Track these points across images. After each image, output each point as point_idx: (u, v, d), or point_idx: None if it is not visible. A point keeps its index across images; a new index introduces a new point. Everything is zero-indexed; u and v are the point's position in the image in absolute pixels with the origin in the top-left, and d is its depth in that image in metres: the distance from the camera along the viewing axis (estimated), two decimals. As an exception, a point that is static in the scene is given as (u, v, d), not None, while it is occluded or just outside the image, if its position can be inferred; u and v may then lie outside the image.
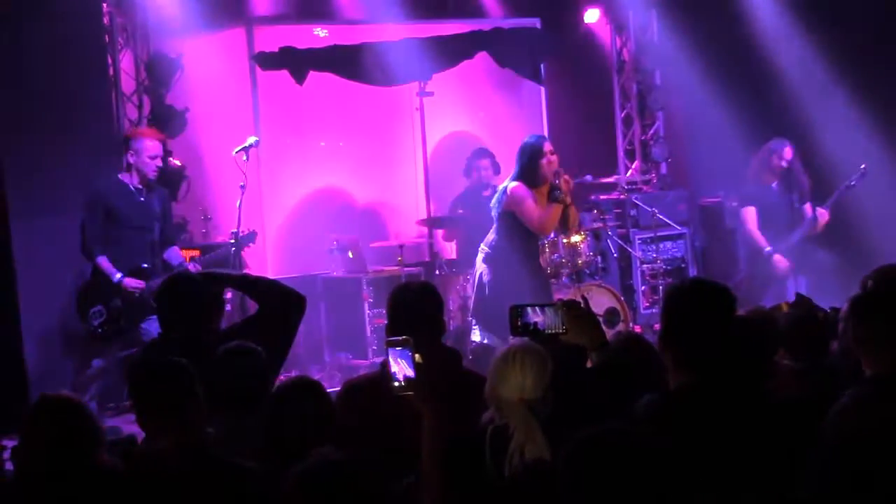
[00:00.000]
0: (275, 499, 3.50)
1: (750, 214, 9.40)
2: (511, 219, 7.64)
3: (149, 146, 7.98)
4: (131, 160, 7.98)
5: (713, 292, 3.43)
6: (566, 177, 7.68)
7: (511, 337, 7.39)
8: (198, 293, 5.51)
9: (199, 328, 5.37)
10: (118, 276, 7.84)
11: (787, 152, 9.24)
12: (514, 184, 7.63)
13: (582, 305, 3.86)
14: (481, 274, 7.75)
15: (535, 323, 3.77)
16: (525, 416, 3.57)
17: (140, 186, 8.01)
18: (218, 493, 3.66)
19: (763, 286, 9.33)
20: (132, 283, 7.83)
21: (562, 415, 3.64)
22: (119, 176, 8.04)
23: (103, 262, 7.89)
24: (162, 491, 3.67)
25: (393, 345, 3.43)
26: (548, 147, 7.73)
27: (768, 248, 9.28)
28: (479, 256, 7.86)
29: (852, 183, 9.14)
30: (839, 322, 5.23)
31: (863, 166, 9.16)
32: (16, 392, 7.77)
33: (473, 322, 7.94)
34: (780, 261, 9.25)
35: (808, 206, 9.26)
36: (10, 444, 5.62)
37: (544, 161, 7.64)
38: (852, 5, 10.34)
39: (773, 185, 9.32)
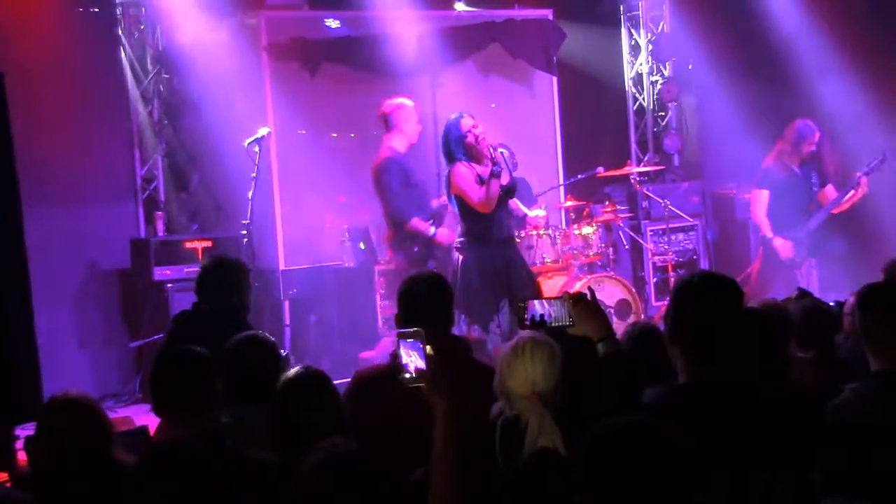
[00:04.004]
0: (287, 490, 3.51)
1: (761, 198, 9.35)
2: (462, 202, 7.60)
3: (411, 111, 8.54)
4: (404, 128, 8.45)
5: (721, 286, 3.42)
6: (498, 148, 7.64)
7: (495, 326, 7.36)
8: (243, 273, 5.80)
9: (232, 306, 5.64)
10: (432, 230, 8.36)
11: (817, 137, 9.18)
12: (455, 163, 7.59)
13: (588, 297, 3.85)
14: (456, 266, 7.72)
15: (542, 315, 3.76)
16: (538, 409, 3.57)
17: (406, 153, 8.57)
18: (233, 484, 3.66)
19: (773, 273, 9.30)
20: (443, 235, 8.35)
21: (572, 407, 3.64)
22: (391, 146, 8.46)
23: (417, 222, 8.38)
24: (177, 482, 3.67)
25: (404, 336, 3.43)
26: (466, 124, 7.65)
27: (770, 235, 9.25)
28: (454, 249, 7.84)
29: (881, 159, 9.02)
30: (844, 315, 5.26)
31: (886, 150, 9.08)
32: (28, 383, 7.79)
33: (457, 314, 7.86)
34: (783, 246, 9.20)
35: (830, 188, 9.23)
36: (22, 433, 5.67)
37: (469, 140, 7.59)
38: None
39: (795, 167, 9.26)
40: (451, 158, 7.60)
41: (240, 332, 4.87)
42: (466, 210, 7.58)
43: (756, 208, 9.40)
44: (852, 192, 9.05)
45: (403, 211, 8.37)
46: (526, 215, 9.12)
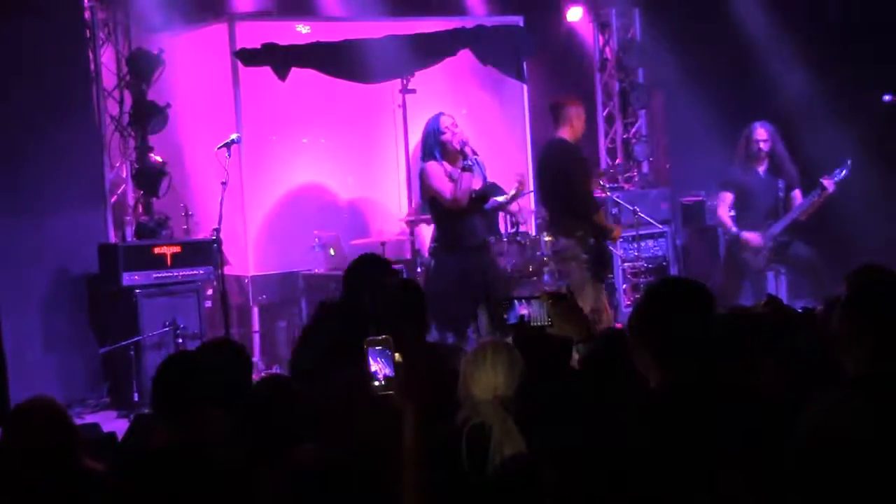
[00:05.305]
0: (257, 496, 3.49)
1: (724, 199, 9.38)
2: (435, 204, 7.60)
3: (583, 110, 8.57)
4: (575, 123, 8.32)
5: (690, 291, 3.44)
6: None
7: (472, 332, 7.37)
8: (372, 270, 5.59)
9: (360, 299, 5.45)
10: (613, 226, 8.50)
11: (759, 133, 9.18)
12: (426, 163, 7.60)
13: (567, 298, 3.86)
14: (429, 272, 7.72)
15: (522, 316, 3.78)
16: (500, 415, 3.59)
17: None
18: (203, 490, 3.64)
19: (739, 278, 9.33)
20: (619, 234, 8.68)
21: (544, 408, 3.65)
22: (562, 137, 8.29)
23: (602, 216, 8.47)
24: (146, 489, 3.65)
25: (372, 344, 3.42)
26: (445, 122, 7.68)
27: (734, 229, 9.26)
28: (428, 254, 7.84)
29: (845, 169, 9.04)
30: (815, 321, 5.28)
31: (849, 161, 9.14)
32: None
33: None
34: (751, 238, 9.20)
35: (797, 193, 9.24)
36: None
37: (445, 137, 7.60)
38: (832, 4, 10.41)
39: (760, 170, 9.27)
40: (426, 155, 7.61)
41: (362, 329, 4.84)
42: (440, 213, 7.59)
43: (719, 207, 9.47)
44: (817, 198, 9.08)
45: (594, 200, 8.34)
46: (505, 203, 8.84)
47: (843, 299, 3.77)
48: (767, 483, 3.22)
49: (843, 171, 9.04)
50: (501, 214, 9.52)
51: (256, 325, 9.85)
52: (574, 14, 11.86)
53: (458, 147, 7.52)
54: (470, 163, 7.43)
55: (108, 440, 5.88)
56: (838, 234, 9.62)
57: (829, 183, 9.00)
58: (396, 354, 3.37)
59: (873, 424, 3.29)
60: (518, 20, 11.13)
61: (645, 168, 12.03)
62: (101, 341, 8.94)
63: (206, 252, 8.83)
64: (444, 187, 7.47)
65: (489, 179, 8.22)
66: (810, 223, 9.29)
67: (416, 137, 9.50)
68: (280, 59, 9.78)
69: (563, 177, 8.11)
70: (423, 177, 7.58)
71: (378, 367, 3.38)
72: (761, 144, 9.17)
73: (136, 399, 8.61)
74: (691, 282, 3.52)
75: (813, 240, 9.32)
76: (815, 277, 9.08)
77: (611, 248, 10.03)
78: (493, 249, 8.49)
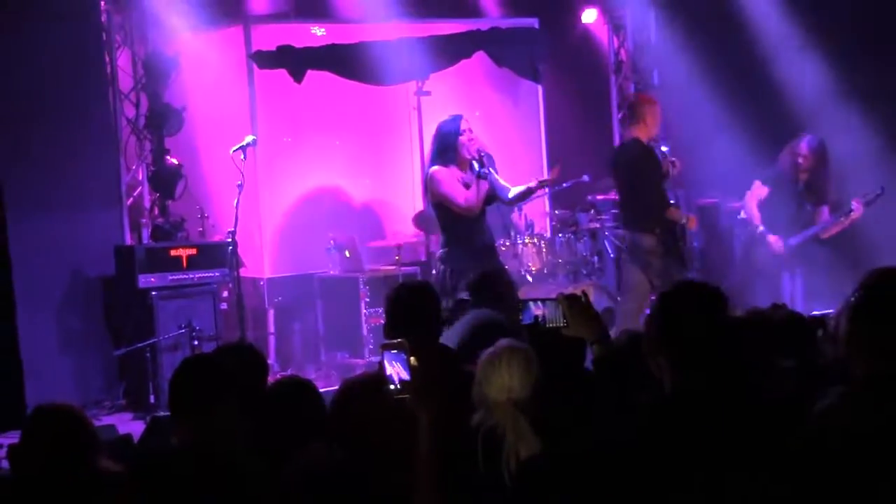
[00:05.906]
0: (270, 497, 3.50)
1: (757, 189, 9.20)
2: (444, 209, 7.57)
3: (658, 110, 8.72)
4: (649, 122, 8.52)
5: (706, 294, 3.43)
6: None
7: None
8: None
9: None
10: (684, 218, 8.62)
11: (801, 147, 8.98)
12: (434, 168, 7.57)
13: (582, 299, 3.87)
14: (440, 276, 7.68)
15: (537, 317, 3.79)
16: (513, 417, 3.59)
17: None
18: (217, 492, 3.65)
19: (753, 280, 9.27)
20: (694, 223, 8.92)
21: (559, 409, 3.66)
22: (636, 136, 8.50)
23: (675, 210, 8.57)
24: (162, 491, 3.66)
25: (388, 348, 3.44)
26: (465, 125, 7.65)
27: (761, 228, 9.17)
28: (438, 260, 7.79)
29: (879, 193, 8.96)
30: (827, 324, 5.27)
31: (882, 187, 9.01)
32: (11, 390, 7.78)
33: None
34: (774, 242, 9.12)
35: (824, 209, 9.16)
36: (5, 441, 5.65)
37: (462, 139, 7.56)
38: (849, 6, 10.37)
39: (800, 180, 9.09)
40: (437, 156, 7.56)
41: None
42: (448, 217, 7.55)
43: (748, 198, 9.29)
44: (843, 218, 9.00)
45: (665, 198, 8.50)
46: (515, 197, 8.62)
47: (851, 300, 3.77)
48: (777, 485, 3.22)
49: (875, 195, 8.95)
50: (516, 217, 9.53)
51: (272, 328, 9.87)
52: (589, 16, 11.86)
53: (473, 155, 7.49)
54: (486, 172, 7.40)
55: (124, 442, 5.91)
56: (859, 238, 9.56)
57: (857, 205, 8.92)
58: (412, 358, 3.38)
59: (878, 425, 3.29)
60: (533, 22, 11.13)
61: (660, 170, 12.00)
62: (117, 343, 8.96)
63: (222, 254, 8.85)
64: (456, 193, 7.44)
65: (502, 182, 8.21)
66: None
67: (430, 140, 9.51)
68: (295, 61, 9.80)
69: (636, 177, 8.44)
70: (430, 182, 7.53)
71: (394, 370, 3.39)
72: (799, 159, 9.04)
73: (151, 401, 8.63)
74: (707, 285, 3.51)
75: (834, 244, 9.25)
76: (832, 280, 9.00)
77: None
78: (501, 252, 8.48)
